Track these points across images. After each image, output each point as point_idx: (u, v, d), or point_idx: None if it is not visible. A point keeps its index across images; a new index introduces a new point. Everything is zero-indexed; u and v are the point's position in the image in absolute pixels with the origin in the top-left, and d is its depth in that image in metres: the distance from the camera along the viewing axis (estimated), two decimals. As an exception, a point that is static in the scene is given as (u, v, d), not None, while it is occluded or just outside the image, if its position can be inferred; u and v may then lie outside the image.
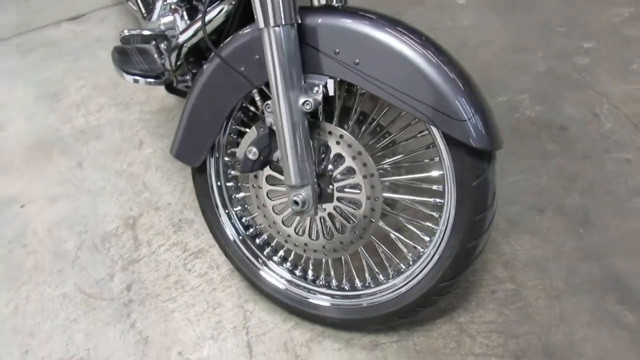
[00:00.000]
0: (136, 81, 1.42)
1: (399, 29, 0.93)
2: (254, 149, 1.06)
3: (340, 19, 0.94)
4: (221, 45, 1.06)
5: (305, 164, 1.00)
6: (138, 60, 1.46)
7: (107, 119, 2.00)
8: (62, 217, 1.65)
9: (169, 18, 1.50)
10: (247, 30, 1.01)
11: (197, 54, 1.49)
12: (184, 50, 1.43)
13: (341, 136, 1.02)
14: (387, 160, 1.10)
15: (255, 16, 0.92)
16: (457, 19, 2.27)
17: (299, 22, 0.94)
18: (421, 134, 1.03)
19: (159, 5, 1.60)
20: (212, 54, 1.08)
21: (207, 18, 1.29)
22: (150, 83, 1.42)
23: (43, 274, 1.50)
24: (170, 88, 1.53)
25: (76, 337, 1.33)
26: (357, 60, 0.93)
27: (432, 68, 0.90)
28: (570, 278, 1.29)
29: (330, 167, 1.07)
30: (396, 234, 1.12)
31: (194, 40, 1.38)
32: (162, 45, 1.48)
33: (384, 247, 1.14)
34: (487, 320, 1.23)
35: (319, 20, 0.95)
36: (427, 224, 1.08)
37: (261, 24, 0.91)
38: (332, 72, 0.96)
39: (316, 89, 0.97)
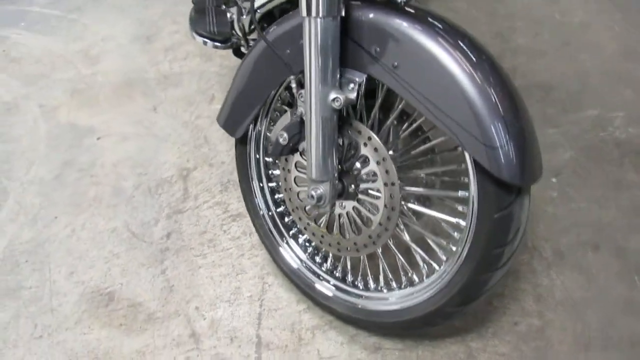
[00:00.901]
0: (205, 43, 1.45)
1: (453, 39, 0.85)
2: (285, 134, 1.05)
3: (388, 17, 0.89)
4: (270, 26, 1.05)
5: (327, 161, 0.98)
6: (211, 22, 1.49)
7: (189, 68, 2.08)
8: (128, 156, 1.77)
9: None
10: (291, 17, 0.99)
11: (270, 21, 1.48)
12: (257, 15, 1.43)
13: (369, 138, 0.98)
14: (419, 171, 1.05)
15: (300, 3, 0.90)
16: (568, 12, 2.05)
17: (342, 15, 0.90)
18: (456, 149, 0.96)
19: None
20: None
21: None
22: (217, 47, 1.44)
23: (100, 205, 1.63)
24: (239, 53, 1.55)
25: (114, 270, 1.46)
26: (395, 63, 0.88)
27: (474, 87, 0.83)
28: (606, 329, 1.18)
29: (357, 165, 1.04)
30: (414, 245, 1.08)
31: (269, 6, 1.37)
32: (235, 10, 1.49)
33: (400, 257, 1.11)
34: (500, 352, 1.17)
35: (364, 15, 0.90)
36: (447, 242, 1.03)
37: (303, 12, 0.88)
38: (369, 70, 0.92)
39: (352, 85, 0.94)
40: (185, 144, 1.78)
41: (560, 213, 1.40)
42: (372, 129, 1.00)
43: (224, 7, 1.50)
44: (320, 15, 0.87)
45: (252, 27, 1.46)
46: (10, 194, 1.72)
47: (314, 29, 0.88)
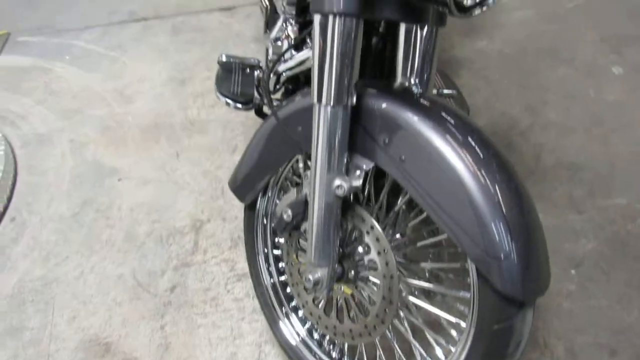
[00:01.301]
0: (227, 104, 1.46)
1: (462, 136, 0.83)
2: (289, 211, 1.03)
3: (399, 108, 0.87)
4: (282, 103, 1.05)
5: (327, 246, 0.96)
6: (236, 82, 1.51)
7: (215, 116, 2.11)
8: (145, 201, 1.79)
9: (278, 44, 1.53)
10: (305, 95, 0.99)
11: (296, 84, 1.50)
12: (283, 78, 1.45)
13: (372, 227, 0.96)
14: (423, 263, 1.01)
15: (311, 89, 0.89)
16: (604, 90, 1.99)
17: (353, 104, 0.89)
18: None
19: (277, 26, 1.63)
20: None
21: (293, 62, 1.29)
22: (238, 108, 1.46)
23: (112, 249, 1.64)
24: (261, 113, 1.56)
25: (115, 319, 1.45)
26: (403, 157, 0.86)
27: (479, 190, 0.79)
28: None
29: (359, 250, 1.01)
30: (413, 339, 1.03)
31: (295, 71, 1.39)
32: (258, 72, 1.51)
33: (398, 349, 1.06)
34: None
35: (377, 104, 0.89)
36: (446, 341, 0.98)
37: (314, 99, 0.88)
38: (377, 160, 0.90)
39: (358, 172, 0.92)
40: (202, 193, 1.79)
41: (577, 309, 1.32)
42: (378, 214, 0.97)
43: (249, 69, 1.52)
44: (331, 104, 0.86)
45: (276, 88, 1.48)
46: (28, 228, 1.75)
47: (323, 116, 0.87)
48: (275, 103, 1.54)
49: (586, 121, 1.85)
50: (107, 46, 2.62)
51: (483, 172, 0.80)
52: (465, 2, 0.82)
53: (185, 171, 1.89)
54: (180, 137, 2.03)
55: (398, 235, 1.07)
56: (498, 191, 0.80)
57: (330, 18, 0.82)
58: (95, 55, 2.57)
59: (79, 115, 2.21)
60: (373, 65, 1.15)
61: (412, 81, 1.00)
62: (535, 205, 0.84)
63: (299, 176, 1.16)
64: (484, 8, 0.83)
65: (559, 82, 2.03)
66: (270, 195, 1.22)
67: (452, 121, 0.85)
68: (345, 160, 0.92)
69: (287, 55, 1.43)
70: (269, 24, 1.74)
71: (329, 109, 0.86)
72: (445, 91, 1.43)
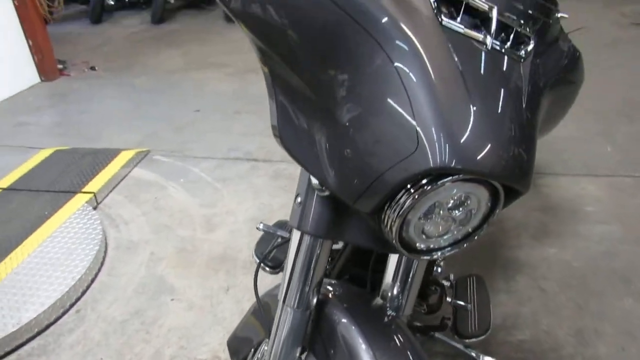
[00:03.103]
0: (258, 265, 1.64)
1: None
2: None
3: (356, 329, 0.95)
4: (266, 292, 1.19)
5: None
6: (272, 249, 1.68)
7: (274, 261, 2.30)
8: (183, 325, 1.97)
9: None
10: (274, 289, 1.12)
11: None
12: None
13: None
14: None
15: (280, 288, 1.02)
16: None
17: (312, 310, 0.99)
18: None
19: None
20: None
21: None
22: (265, 270, 1.62)
23: (136, 364, 1.81)
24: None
25: None
26: None
27: None
28: None
29: None
30: None
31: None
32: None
33: None
34: None
35: (336, 317, 0.98)
36: None
37: (280, 298, 1.00)
38: None
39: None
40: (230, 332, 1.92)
41: None
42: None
43: (281, 239, 1.70)
44: (291, 305, 0.98)
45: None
46: (84, 323, 2.01)
47: (283, 315, 0.99)
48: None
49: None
50: (216, 177, 3.04)
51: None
52: (417, 245, 0.92)
53: (227, 307, 2.05)
54: (237, 274, 2.23)
55: None
56: None
57: (301, 234, 0.97)
58: (203, 183, 2.99)
59: (167, 232, 2.55)
60: (362, 263, 1.25)
61: (389, 298, 1.09)
62: None
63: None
64: (439, 254, 0.92)
65: (621, 315, 1.89)
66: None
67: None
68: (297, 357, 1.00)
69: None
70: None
71: (288, 309, 0.98)
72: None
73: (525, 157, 0.85)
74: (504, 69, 0.90)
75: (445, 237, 0.93)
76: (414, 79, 0.81)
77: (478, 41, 0.88)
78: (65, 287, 2.09)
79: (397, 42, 0.82)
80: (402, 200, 0.84)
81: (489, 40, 0.88)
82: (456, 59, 0.84)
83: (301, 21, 0.84)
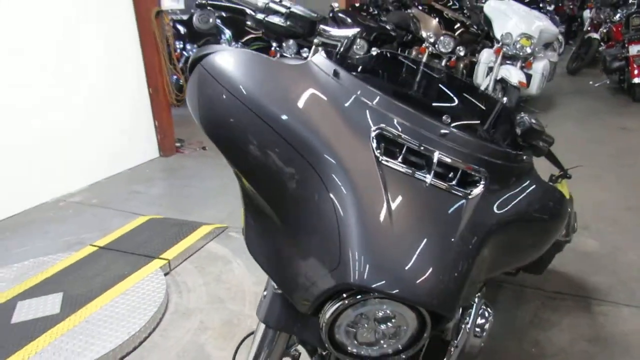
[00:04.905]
0: None
1: None
2: None
3: None
4: None
5: None
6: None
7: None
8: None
9: None
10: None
11: None
12: None
13: None
14: None
15: None
16: None
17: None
18: None
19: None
20: None
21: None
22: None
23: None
24: None
25: None
26: None
27: None
28: None
29: None
30: None
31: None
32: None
33: None
34: None
35: None
36: None
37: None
38: None
39: None
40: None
41: None
42: None
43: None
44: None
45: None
46: (126, 376, 2.27)
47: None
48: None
49: None
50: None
51: None
52: (348, 349, 1.04)
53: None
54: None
55: None
56: None
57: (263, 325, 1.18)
58: (264, 263, 3.24)
59: (219, 305, 2.80)
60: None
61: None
62: None
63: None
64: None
65: None
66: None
67: None
68: None
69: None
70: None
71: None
72: None
73: (449, 285, 0.96)
74: (441, 204, 1.03)
75: (375, 347, 1.05)
76: (345, 207, 0.99)
77: (418, 178, 1.03)
78: (119, 341, 2.40)
79: (333, 175, 1.01)
80: (327, 307, 1.01)
81: (428, 178, 1.03)
82: (388, 192, 1.01)
83: (257, 152, 1.08)
